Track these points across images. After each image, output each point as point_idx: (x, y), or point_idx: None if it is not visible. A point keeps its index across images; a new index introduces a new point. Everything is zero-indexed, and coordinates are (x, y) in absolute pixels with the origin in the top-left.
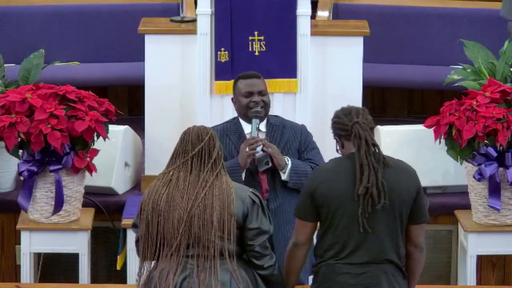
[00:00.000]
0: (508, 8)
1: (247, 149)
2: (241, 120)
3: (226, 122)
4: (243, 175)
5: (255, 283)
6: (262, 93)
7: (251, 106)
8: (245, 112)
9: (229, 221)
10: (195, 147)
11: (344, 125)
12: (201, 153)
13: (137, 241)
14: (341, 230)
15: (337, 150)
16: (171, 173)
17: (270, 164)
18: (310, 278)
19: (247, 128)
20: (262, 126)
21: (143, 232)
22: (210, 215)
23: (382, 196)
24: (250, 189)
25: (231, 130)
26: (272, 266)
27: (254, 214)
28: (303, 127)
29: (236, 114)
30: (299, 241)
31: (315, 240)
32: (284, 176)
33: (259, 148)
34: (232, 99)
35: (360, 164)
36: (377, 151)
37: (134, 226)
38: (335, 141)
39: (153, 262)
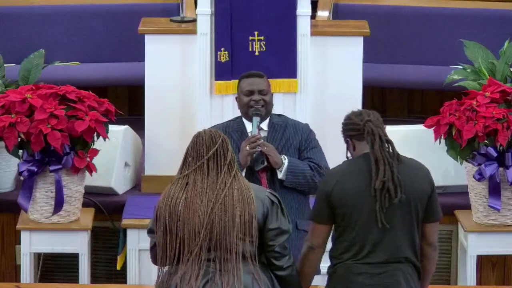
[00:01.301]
0: None
1: (247, 147)
2: (243, 119)
3: (229, 120)
4: (243, 173)
5: (273, 286)
6: (263, 92)
7: (251, 104)
8: (246, 110)
9: (250, 222)
10: (210, 150)
11: (356, 124)
12: (217, 155)
13: (152, 248)
14: (359, 230)
15: (347, 157)
16: (186, 177)
17: (266, 163)
18: (315, 277)
19: (249, 126)
20: (264, 125)
21: (160, 238)
22: (231, 217)
23: (399, 190)
24: (268, 190)
25: (233, 128)
26: (291, 267)
27: (274, 214)
28: (305, 126)
29: (238, 113)
30: (314, 244)
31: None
32: (280, 175)
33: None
34: (236, 98)
35: (375, 159)
36: (390, 147)
37: (150, 232)
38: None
39: (166, 267)
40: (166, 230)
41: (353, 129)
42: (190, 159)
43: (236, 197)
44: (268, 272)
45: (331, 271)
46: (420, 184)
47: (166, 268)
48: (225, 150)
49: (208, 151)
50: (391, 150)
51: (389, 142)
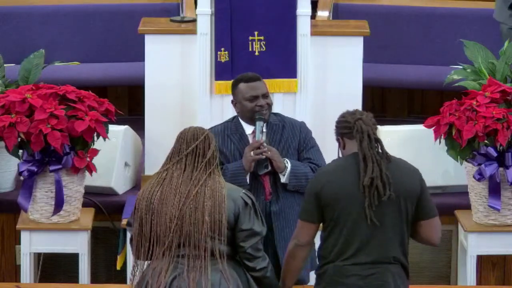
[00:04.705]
0: (500, 10)
1: (251, 153)
2: (241, 120)
3: (226, 122)
4: (247, 178)
5: (247, 284)
6: (266, 95)
7: (257, 110)
8: (250, 115)
9: (220, 221)
10: (190, 146)
11: (348, 122)
12: (195, 152)
13: (131, 240)
14: (348, 229)
15: (339, 156)
16: (166, 171)
17: (270, 168)
18: (312, 273)
19: (248, 128)
20: (264, 127)
21: (136, 230)
22: (202, 214)
23: (387, 188)
24: (243, 190)
25: (232, 130)
26: (265, 268)
27: (246, 215)
28: (302, 124)
29: (235, 114)
30: (301, 242)
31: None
32: (283, 179)
33: None
34: (232, 101)
35: (363, 156)
36: (379, 146)
37: (129, 224)
38: (337, 144)
39: (146, 262)
40: (141, 223)
41: (344, 127)
42: (171, 154)
43: (207, 195)
44: (243, 272)
45: (320, 271)
46: (409, 183)
47: (139, 262)
48: (206, 148)
49: (187, 147)
50: (380, 149)
51: (378, 141)
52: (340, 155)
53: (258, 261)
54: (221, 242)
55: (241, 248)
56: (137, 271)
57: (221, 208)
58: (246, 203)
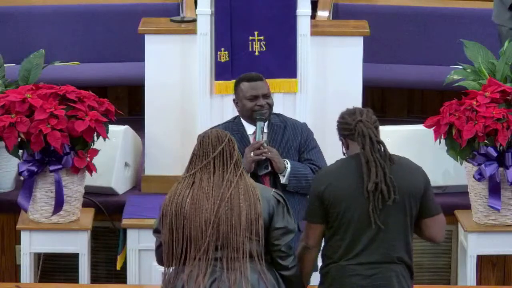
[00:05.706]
0: (498, 13)
1: (251, 154)
2: (242, 120)
3: (227, 121)
4: None
5: (278, 285)
6: (267, 95)
7: (256, 109)
8: (250, 114)
9: (257, 221)
10: (216, 149)
11: (348, 124)
12: (223, 154)
13: (158, 247)
14: (352, 230)
15: (343, 153)
16: (193, 175)
17: (270, 169)
18: (313, 274)
19: (249, 128)
20: (264, 127)
21: (166, 237)
22: (238, 216)
23: (392, 191)
24: (273, 189)
25: (233, 130)
26: (296, 266)
27: (280, 213)
28: (304, 126)
29: (236, 113)
30: (309, 244)
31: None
32: (283, 180)
33: None
34: (234, 100)
35: (366, 161)
36: (382, 148)
37: (156, 231)
38: (340, 143)
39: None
40: (172, 229)
41: (346, 128)
42: (196, 158)
43: (242, 196)
44: (274, 271)
45: (324, 271)
46: (414, 183)
47: (172, 268)
48: (232, 150)
49: (214, 150)
50: (382, 151)
51: (380, 142)
52: (345, 152)
53: (290, 259)
54: (258, 243)
55: (276, 247)
56: (168, 277)
57: (256, 209)
58: (278, 201)
